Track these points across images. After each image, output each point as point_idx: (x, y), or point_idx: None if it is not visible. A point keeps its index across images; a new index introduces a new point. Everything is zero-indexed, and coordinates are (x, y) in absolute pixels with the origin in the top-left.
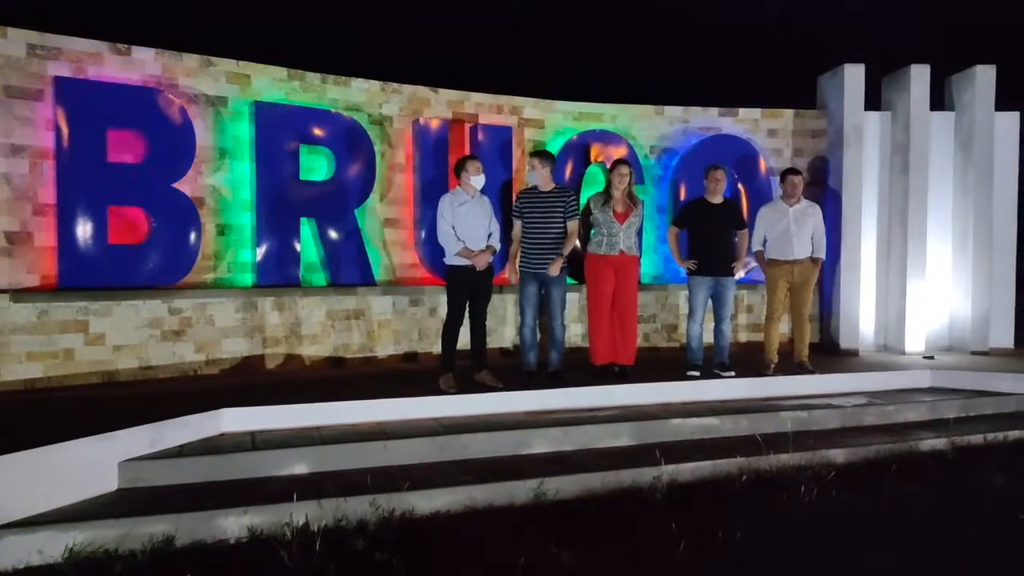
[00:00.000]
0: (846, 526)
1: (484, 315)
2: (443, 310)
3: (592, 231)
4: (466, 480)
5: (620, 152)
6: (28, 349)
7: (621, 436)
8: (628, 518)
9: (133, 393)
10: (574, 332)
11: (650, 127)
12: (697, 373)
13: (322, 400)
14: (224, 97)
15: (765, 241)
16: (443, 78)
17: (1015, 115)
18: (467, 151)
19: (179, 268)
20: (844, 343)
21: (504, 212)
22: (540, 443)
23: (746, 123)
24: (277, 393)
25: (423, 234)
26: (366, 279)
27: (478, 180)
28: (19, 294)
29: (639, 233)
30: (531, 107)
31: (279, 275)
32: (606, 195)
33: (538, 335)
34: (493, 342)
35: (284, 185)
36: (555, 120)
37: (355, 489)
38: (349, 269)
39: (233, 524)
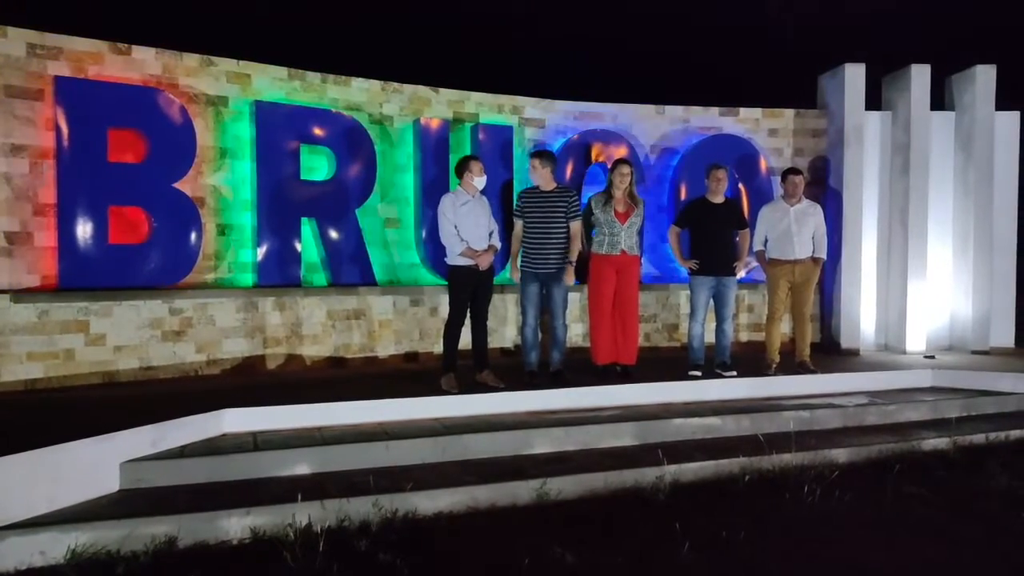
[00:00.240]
0: (849, 526)
1: (485, 315)
2: (444, 310)
3: (593, 231)
4: (468, 480)
5: (621, 152)
6: (28, 349)
7: (623, 436)
8: (631, 518)
9: (134, 393)
10: (575, 332)
11: (651, 127)
12: (699, 373)
13: (324, 400)
14: (225, 97)
15: (766, 241)
16: (443, 78)
17: (1015, 115)
18: (468, 150)
19: (180, 268)
20: (845, 343)
21: (505, 212)
22: (542, 443)
23: (747, 123)
24: (278, 393)
25: (424, 234)
26: (367, 279)
27: (480, 180)
28: (19, 294)
29: (640, 233)
30: (532, 106)
31: (280, 275)
32: (607, 195)
33: (539, 335)
34: (494, 342)
35: (285, 185)
36: (556, 119)
37: (357, 490)
38: (350, 269)
39: (236, 525)
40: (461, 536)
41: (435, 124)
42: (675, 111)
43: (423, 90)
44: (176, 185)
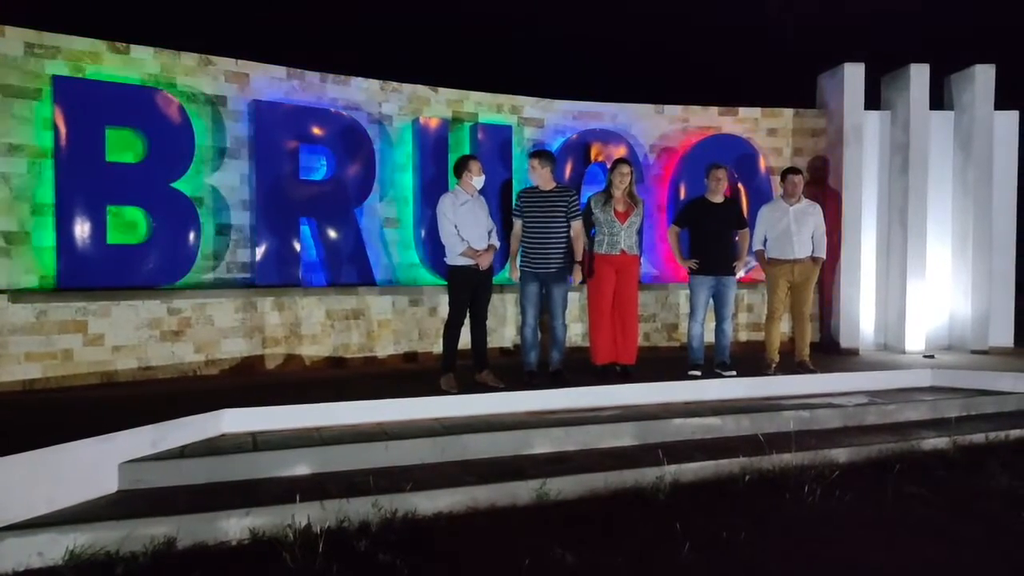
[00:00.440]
0: (849, 526)
1: (485, 315)
2: (443, 310)
3: (592, 230)
4: (468, 481)
5: (620, 151)
6: (27, 350)
7: (623, 436)
8: (631, 518)
9: (133, 394)
10: (574, 332)
11: (650, 126)
12: (698, 373)
13: (323, 400)
14: (223, 96)
15: (765, 240)
16: (442, 77)
17: (1014, 114)
18: (467, 150)
19: (178, 268)
20: (844, 342)
21: (504, 212)
22: (542, 443)
23: (746, 122)
24: (277, 394)
25: (423, 233)
26: (366, 279)
27: (479, 180)
28: (18, 294)
29: (639, 232)
30: (531, 106)
31: (279, 275)
32: (607, 194)
33: (539, 335)
34: (493, 342)
35: (283, 184)
36: (555, 119)
37: (357, 490)
38: (349, 269)
39: (235, 526)
40: (461, 536)
41: (434, 123)
42: (674, 111)
43: (422, 89)
44: (174, 185)
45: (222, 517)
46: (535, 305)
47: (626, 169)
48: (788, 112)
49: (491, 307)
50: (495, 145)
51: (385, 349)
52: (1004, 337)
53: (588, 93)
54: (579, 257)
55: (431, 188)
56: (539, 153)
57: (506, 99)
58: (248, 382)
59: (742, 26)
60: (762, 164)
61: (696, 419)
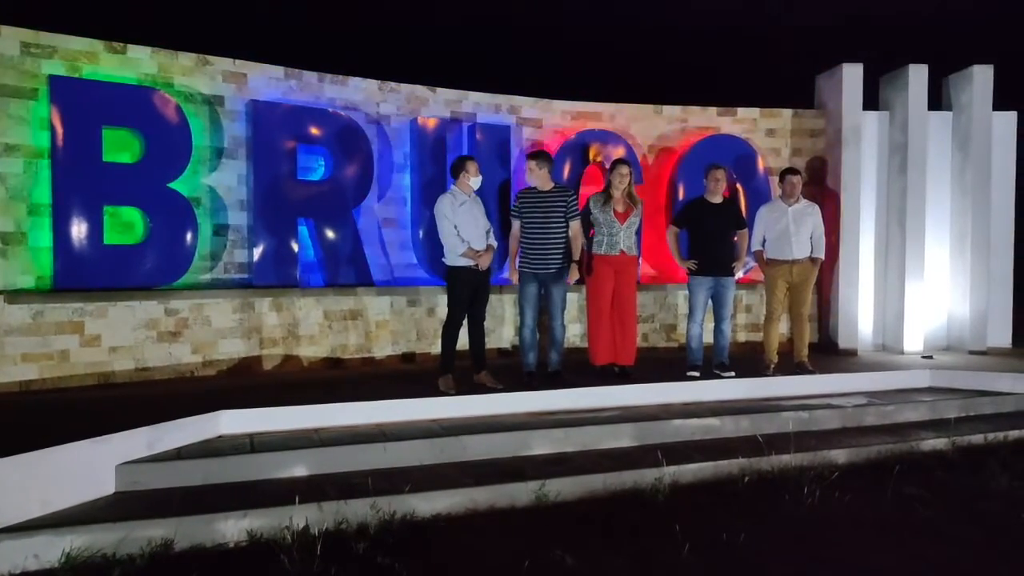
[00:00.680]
0: (849, 527)
1: (483, 316)
2: (441, 310)
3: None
4: (467, 482)
5: (619, 152)
6: (23, 350)
7: (622, 437)
8: (631, 520)
9: (129, 395)
10: (572, 332)
11: (649, 127)
12: (697, 373)
13: (321, 402)
14: (220, 96)
15: (764, 241)
16: (441, 77)
17: (1013, 115)
18: (465, 150)
19: (175, 268)
20: (843, 343)
21: (503, 212)
22: (541, 444)
23: (744, 123)
24: (275, 395)
25: (421, 234)
26: (363, 279)
27: (476, 181)
28: (14, 295)
29: (638, 233)
30: (529, 106)
31: (276, 275)
32: (606, 195)
33: (537, 335)
34: (491, 343)
35: (281, 185)
36: (553, 119)
37: (355, 491)
38: (347, 269)
39: (232, 528)
40: (460, 538)
41: (432, 124)
42: (673, 111)
43: (420, 89)
44: (172, 185)
45: (219, 519)
46: (534, 306)
47: (625, 170)
48: (787, 112)
49: (490, 308)
50: (493, 145)
51: (383, 350)
52: (1002, 338)
53: (586, 93)
54: (576, 257)
55: (429, 188)
56: (537, 154)
57: (504, 99)
58: (246, 383)
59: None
60: (760, 164)
61: (695, 420)
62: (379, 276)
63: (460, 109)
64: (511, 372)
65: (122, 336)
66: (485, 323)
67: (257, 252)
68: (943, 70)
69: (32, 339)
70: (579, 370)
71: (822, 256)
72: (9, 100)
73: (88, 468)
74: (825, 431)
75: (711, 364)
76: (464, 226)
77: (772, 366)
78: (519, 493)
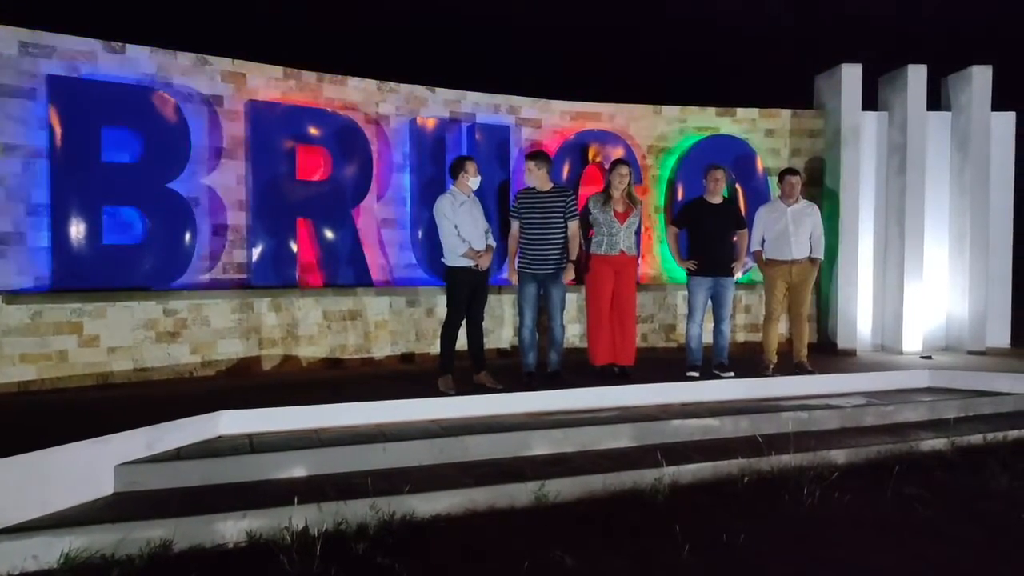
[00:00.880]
0: (849, 527)
1: (482, 316)
2: (440, 311)
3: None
4: (466, 482)
5: (618, 152)
6: (21, 351)
7: (621, 437)
8: (630, 520)
9: (128, 395)
10: (571, 332)
11: (648, 127)
12: (696, 374)
13: (320, 402)
14: (219, 96)
15: (763, 241)
16: (440, 77)
17: (1011, 115)
18: (464, 150)
19: (174, 269)
20: (841, 343)
21: (502, 212)
22: (540, 445)
23: (743, 123)
24: (274, 395)
25: (420, 234)
26: (362, 279)
27: (475, 181)
28: (12, 295)
29: (637, 233)
30: (528, 106)
31: (275, 276)
32: (606, 195)
33: (537, 336)
34: (491, 343)
35: (280, 185)
36: (552, 120)
37: (355, 492)
38: (346, 269)
39: (232, 528)
40: (459, 539)
41: (431, 124)
42: (672, 111)
43: (419, 89)
44: (170, 185)
45: (219, 520)
46: (533, 306)
47: (625, 170)
48: (786, 113)
49: (488, 308)
50: (492, 145)
51: (382, 350)
52: (1001, 338)
53: (586, 93)
54: (573, 257)
55: (428, 189)
56: (535, 154)
57: (503, 99)
58: (245, 383)
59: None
60: (759, 165)
61: (694, 420)
62: (378, 276)
63: (459, 109)
64: (510, 372)
65: (121, 336)
66: (484, 323)
67: (256, 252)
68: (942, 70)
69: (30, 339)
70: (578, 370)
71: (821, 256)
72: (7, 99)
73: (87, 469)
74: (824, 431)
75: (710, 364)
76: (464, 226)
77: (771, 366)
78: (519, 493)
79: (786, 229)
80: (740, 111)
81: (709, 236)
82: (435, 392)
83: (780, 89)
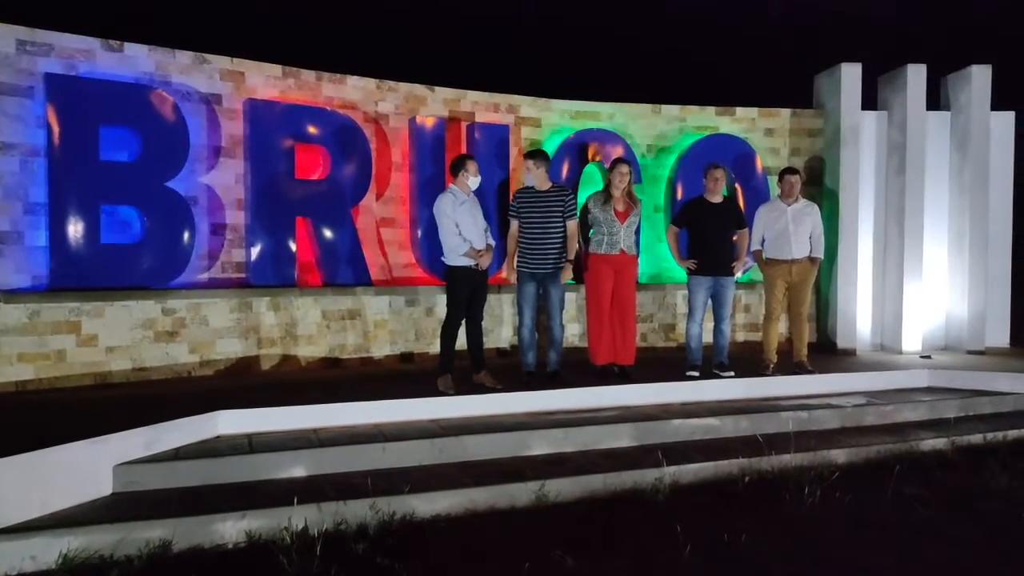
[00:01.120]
0: (849, 527)
1: (481, 315)
2: (440, 310)
3: (591, 231)
4: (466, 482)
5: (617, 151)
6: (19, 350)
7: (622, 437)
8: (631, 520)
9: (126, 395)
10: (571, 332)
11: (647, 126)
12: (696, 373)
13: (319, 402)
14: (218, 94)
15: (763, 241)
16: (439, 76)
17: (1011, 115)
18: (463, 150)
19: (173, 268)
20: (841, 342)
21: (501, 212)
22: (540, 444)
23: (743, 122)
24: (273, 395)
25: (419, 233)
26: (362, 279)
27: (476, 180)
28: (10, 294)
29: (637, 232)
30: (528, 105)
31: (274, 275)
32: (606, 194)
33: (536, 335)
34: (490, 343)
35: (279, 184)
36: (552, 119)
37: (354, 492)
38: (345, 269)
39: (231, 529)
40: (459, 539)
41: (430, 123)
42: (671, 110)
43: (418, 88)
44: (169, 184)
45: (218, 520)
46: (532, 306)
47: (625, 169)
48: (785, 112)
49: (488, 308)
50: (492, 145)
51: (381, 350)
52: (1000, 337)
53: (585, 93)
54: (571, 256)
55: (427, 188)
56: (534, 153)
57: (503, 98)
58: (243, 383)
59: (739, 25)
60: (759, 164)
61: (695, 420)
62: (377, 276)
63: (459, 108)
64: (510, 372)
65: (119, 336)
66: (484, 323)
67: (255, 251)
68: (941, 70)
69: (28, 339)
70: (578, 370)
71: (821, 256)
72: (5, 98)
73: (85, 469)
74: (825, 431)
75: (710, 364)
76: (464, 225)
77: (771, 366)
78: (519, 493)
79: (786, 228)
80: (740, 110)
81: (709, 235)
82: (435, 392)
83: (780, 88)
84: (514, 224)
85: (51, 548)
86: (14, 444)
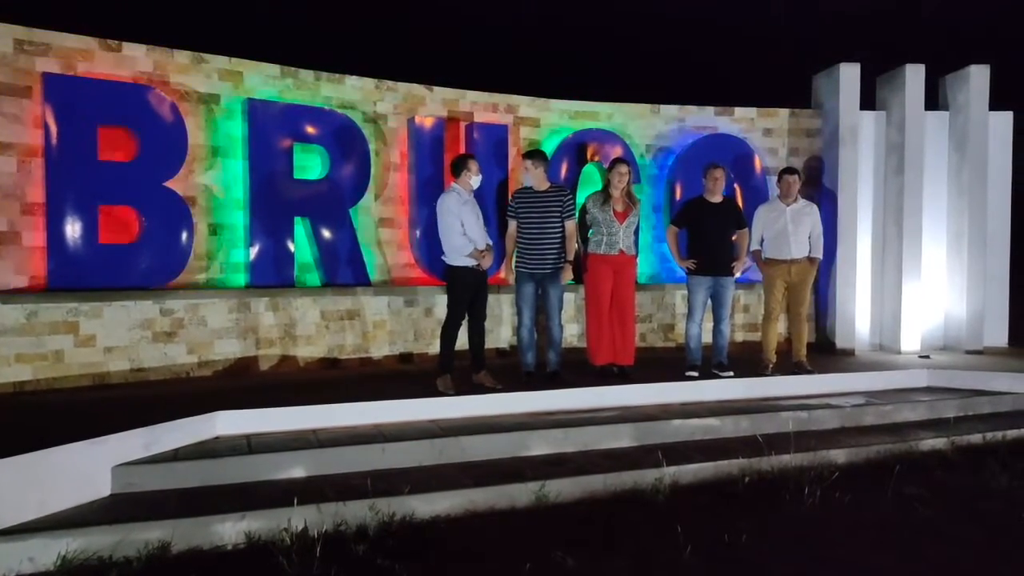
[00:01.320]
0: (850, 527)
1: (484, 315)
2: (439, 310)
3: (590, 231)
4: (466, 483)
5: (616, 151)
6: (17, 351)
7: (622, 437)
8: (631, 521)
9: (125, 396)
10: (570, 332)
11: (646, 126)
12: (696, 373)
13: (318, 402)
14: (216, 94)
15: (762, 241)
16: (438, 76)
17: (1009, 115)
18: (462, 149)
19: (171, 268)
20: (840, 342)
21: (500, 212)
22: (540, 445)
23: (742, 122)
24: (272, 395)
25: (419, 233)
26: (361, 279)
27: (477, 180)
28: (8, 295)
29: (636, 232)
30: (527, 105)
31: (273, 275)
32: (605, 194)
33: (535, 335)
34: (490, 343)
35: (277, 184)
36: (551, 119)
37: (354, 493)
38: (344, 269)
39: (230, 530)
40: (459, 539)
41: (429, 123)
42: (670, 110)
43: (417, 88)
44: (167, 184)
45: (217, 521)
46: (531, 306)
47: (624, 169)
48: (784, 112)
49: (488, 308)
50: (490, 145)
51: (380, 350)
52: (999, 337)
53: (584, 92)
54: (570, 257)
55: (426, 188)
56: (532, 153)
57: (502, 98)
58: (242, 384)
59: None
60: (758, 164)
61: (694, 420)
62: (376, 276)
63: (457, 108)
64: (510, 372)
65: (117, 336)
66: (484, 323)
67: (253, 252)
68: (940, 70)
69: (26, 339)
70: (578, 370)
71: (820, 256)
72: (2, 98)
73: (84, 470)
74: (824, 431)
75: (710, 364)
76: (469, 225)
77: (771, 366)
78: (519, 494)
79: (785, 228)
80: (738, 110)
81: (709, 235)
82: (434, 392)
83: (778, 88)
84: (512, 224)
85: (49, 549)
86: (12, 445)
